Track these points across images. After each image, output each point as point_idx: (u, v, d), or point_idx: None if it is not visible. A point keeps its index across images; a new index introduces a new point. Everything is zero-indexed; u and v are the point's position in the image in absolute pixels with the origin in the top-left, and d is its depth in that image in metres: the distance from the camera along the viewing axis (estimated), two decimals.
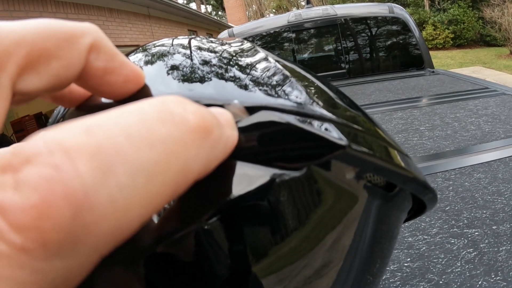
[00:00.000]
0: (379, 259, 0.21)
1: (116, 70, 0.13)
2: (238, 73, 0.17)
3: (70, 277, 0.08)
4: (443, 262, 0.54)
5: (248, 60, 0.19)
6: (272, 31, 2.34)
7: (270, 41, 2.38)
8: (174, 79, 0.16)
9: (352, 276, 0.18)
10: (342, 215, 0.16)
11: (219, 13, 27.61)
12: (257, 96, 0.15)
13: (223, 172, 0.13)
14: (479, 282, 0.49)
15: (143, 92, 0.15)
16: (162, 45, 0.20)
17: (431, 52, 2.39)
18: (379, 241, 0.20)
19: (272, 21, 2.39)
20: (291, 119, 0.14)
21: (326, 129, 0.14)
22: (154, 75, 0.16)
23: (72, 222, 0.07)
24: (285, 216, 0.14)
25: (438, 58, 10.30)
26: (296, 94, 0.15)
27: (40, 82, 0.11)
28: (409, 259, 0.55)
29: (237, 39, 0.23)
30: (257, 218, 0.14)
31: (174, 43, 0.21)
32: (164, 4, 6.79)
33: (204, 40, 0.22)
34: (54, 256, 0.07)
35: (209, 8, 28.27)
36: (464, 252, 0.55)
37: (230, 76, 0.17)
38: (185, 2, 25.18)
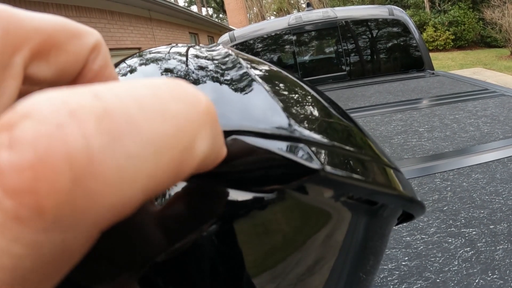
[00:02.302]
0: (370, 262, 0.21)
1: (104, 77, 0.13)
2: (211, 89, 0.17)
3: (68, 253, 0.07)
4: (441, 261, 0.55)
5: (224, 74, 0.18)
6: (273, 34, 2.35)
7: (271, 43, 2.39)
8: None
9: (343, 280, 0.18)
10: (324, 236, 0.16)
11: (220, 15, 27.66)
12: (229, 119, 0.15)
13: (196, 195, 0.13)
14: (476, 280, 0.50)
15: None
16: (140, 55, 0.20)
17: (431, 54, 2.40)
18: (367, 254, 0.20)
19: (273, 23, 2.40)
20: (265, 143, 0.14)
21: (299, 152, 0.14)
22: None
23: (73, 188, 0.07)
24: (258, 243, 0.14)
25: (439, 60, 10.30)
26: (273, 113, 0.15)
27: (48, 71, 0.12)
28: (406, 258, 0.56)
29: (219, 48, 0.22)
30: (227, 247, 0.14)
31: (148, 54, 0.20)
32: (165, 7, 6.81)
33: (181, 49, 0.21)
34: (52, 227, 0.07)
35: (210, 11, 28.32)
36: (461, 251, 0.56)
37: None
38: (186, 4, 25.23)
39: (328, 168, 0.14)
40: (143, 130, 0.08)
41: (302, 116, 0.17)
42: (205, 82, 0.17)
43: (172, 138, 0.08)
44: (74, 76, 0.13)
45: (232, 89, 0.17)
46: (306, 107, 0.19)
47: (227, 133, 0.13)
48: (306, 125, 0.16)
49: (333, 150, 0.16)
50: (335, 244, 0.17)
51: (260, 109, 0.15)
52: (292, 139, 0.14)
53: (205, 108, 0.10)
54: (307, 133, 0.15)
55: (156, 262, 0.13)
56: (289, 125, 0.15)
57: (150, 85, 0.09)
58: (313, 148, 0.14)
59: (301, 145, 0.14)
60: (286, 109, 0.16)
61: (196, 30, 10.28)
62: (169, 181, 0.09)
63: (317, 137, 0.15)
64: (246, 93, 0.17)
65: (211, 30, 11.76)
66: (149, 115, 0.08)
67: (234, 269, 0.14)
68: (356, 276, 0.19)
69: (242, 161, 0.13)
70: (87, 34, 0.13)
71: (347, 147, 0.17)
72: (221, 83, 0.17)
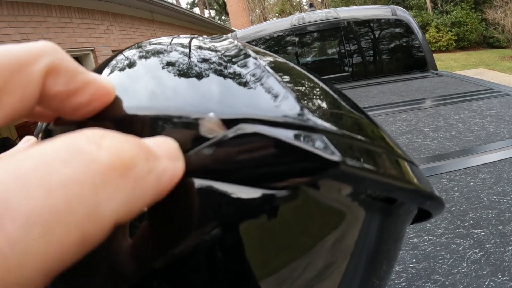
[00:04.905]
0: (383, 267, 0.19)
1: (79, 90, 0.12)
2: (217, 79, 0.15)
3: None
4: (449, 263, 0.53)
5: (231, 63, 0.17)
6: (275, 35, 2.35)
7: (273, 44, 2.38)
8: (145, 89, 0.15)
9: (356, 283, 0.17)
10: (336, 238, 0.15)
11: (223, 17, 27.73)
12: (237, 107, 0.13)
13: (197, 193, 0.12)
14: (486, 283, 0.49)
15: (112, 109, 0.14)
16: (139, 46, 0.19)
17: (434, 55, 2.39)
18: (381, 257, 0.18)
19: (276, 24, 2.40)
20: (275, 132, 0.12)
21: (316, 142, 0.12)
22: (126, 86, 0.15)
23: None
24: (265, 245, 0.13)
25: (442, 61, 10.28)
26: (283, 101, 0.14)
27: None
28: (414, 260, 0.55)
29: (224, 38, 0.21)
30: (238, 248, 0.12)
31: (151, 45, 0.19)
32: (167, 8, 6.83)
33: (183, 40, 0.19)
34: None
35: (212, 13, 28.40)
36: (470, 253, 0.55)
37: (207, 83, 0.15)
38: (188, 6, 25.31)
39: (350, 161, 0.12)
40: (25, 212, 0.07)
41: (316, 105, 0.15)
42: (212, 71, 0.16)
43: (63, 211, 0.08)
44: (33, 107, 0.11)
45: (238, 76, 0.16)
46: (319, 97, 0.17)
47: (233, 122, 0.12)
48: (321, 114, 0.14)
49: (353, 142, 0.14)
50: (348, 246, 0.15)
51: (271, 97, 0.14)
52: (306, 128, 0.13)
53: (107, 165, 0.09)
54: (323, 122, 0.13)
55: (161, 266, 0.12)
56: (302, 113, 0.13)
57: (37, 154, 0.08)
58: (331, 139, 0.13)
59: (317, 134, 0.12)
60: (299, 98, 0.14)
61: (198, 32, 10.31)
62: (76, 253, 0.08)
63: (334, 127, 0.13)
64: (255, 80, 0.15)
65: (214, 32, 11.79)
66: (31, 192, 0.08)
67: (242, 272, 0.13)
68: (370, 282, 0.18)
69: (251, 153, 0.12)
70: (33, 61, 0.11)
71: (367, 139, 0.15)
72: (228, 73, 0.16)
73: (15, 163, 0.08)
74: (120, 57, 0.18)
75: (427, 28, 12.61)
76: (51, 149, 0.08)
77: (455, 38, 12.34)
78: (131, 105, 0.14)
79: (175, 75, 0.15)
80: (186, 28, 8.99)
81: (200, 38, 0.21)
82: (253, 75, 0.15)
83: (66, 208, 0.08)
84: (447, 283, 0.50)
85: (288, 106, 0.13)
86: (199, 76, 0.15)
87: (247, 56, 0.17)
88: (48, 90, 0.11)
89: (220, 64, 0.16)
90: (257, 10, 24.79)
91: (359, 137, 0.14)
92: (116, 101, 0.14)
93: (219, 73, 0.16)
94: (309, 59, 2.52)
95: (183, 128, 0.13)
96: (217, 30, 11.88)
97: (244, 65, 0.16)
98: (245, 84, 0.15)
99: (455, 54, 11.70)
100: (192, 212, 0.12)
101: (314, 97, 0.16)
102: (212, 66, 0.16)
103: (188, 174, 0.12)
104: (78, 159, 0.08)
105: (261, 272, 0.13)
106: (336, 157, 0.12)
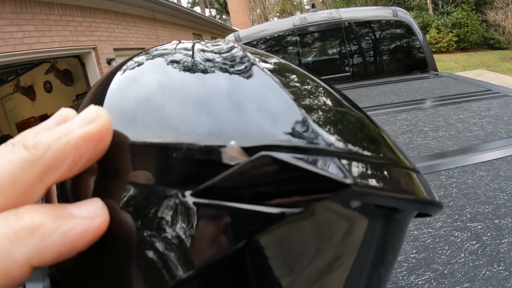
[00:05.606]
0: (389, 258, 0.21)
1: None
2: (235, 104, 0.16)
3: None
4: (448, 253, 0.56)
5: (245, 84, 0.18)
6: (278, 35, 2.37)
7: (275, 44, 2.41)
8: (166, 119, 0.16)
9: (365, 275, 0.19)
10: (344, 240, 0.17)
11: (223, 16, 27.70)
12: (256, 134, 0.14)
13: (228, 214, 0.13)
14: (482, 272, 0.52)
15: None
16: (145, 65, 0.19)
17: (434, 56, 2.41)
18: (386, 249, 0.20)
19: (278, 24, 2.43)
20: (292, 159, 0.13)
21: (331, 167, 0.14)
22: (146, 115, 0.16)
23: None
24: (286, 255, 0.15)
25: (442, 62, 10.30)
26: (299, 126, 0.15)
27: None
28: (414, 251, 0.58)
29: (235, 50, 0.21)
30: (266, 253, 0.14)
31: (158, 63, 0.20)
32: (169, 7, 6.84)
33: (187, 49, 0.21)
34: None
35: (213, 12, 28.36)
36: (467, 244, 0.58)
37: (226, 109, 0.16)
38: (189, 5, 25.27)
39: (360, 182, 0.14)
40: None
41: (327, 121, 0.17)
42: (227, 97, 0.16)
43: None
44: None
45: (253, 99, 0.16)
46: (329, 110, 0.19)
47: (253, 149, 0.14)
48: (333, 132, 0.16)
49: (362, 159, 0.16)
50: (355, 243, 0.17)
51: (286, 120, 0.15)
52: (321, 152, 0.14)
53: (21, 227, 0.12)
54: (335, 143, 0.15)
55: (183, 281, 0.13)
56: (316, 136, 0.15)
57: None
58: (344, 161, 0.14)
59: (330, 158, 0.14)
60: (311, 117, 0.16)
61: (200, 31, 10.32)
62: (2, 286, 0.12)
63: (344, 147, 0.15)
64: (268, 103, 0.16)
65: (215, 31, 11.79)
66: None
67: (267, 274, 0.15)
68: (377, 271, 0.20)
69: (272, 176, 0.13)
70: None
71: (373, 154, 0.17)
72: (244, 97, 0.17)
73: None
74: (132, 83, 0.19)
75: (427, 29, 12.63)
76: None
77: (455, 39, 12.37)
78: (149, 136, 0.15)
79: (196, 103, 0.16)
80: (188, 27, 9.00)
81: (202, 42, 0.22)
82: (265, 97, 0.16)
83: None
84: (445, 272, 0.53)
85: (302, 129, 0.15)
86: (216, 103, 0.16)
87: (258, 74, 0.18)
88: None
89: (236, 88, 0.17)
90: (258, 9, 24.77)
91: (366, 153, 0.16)
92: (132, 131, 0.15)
93: (237, 98, 0.16)
94: (310, 59, 2.55)
95: (206, 156, 0.14)
96: (218, 29, 11.88)
97: (257, 86, 0.17)
98: (260, 109, 0.16)
99: (456, 55, 11.73)
100: (225, 228, 0.13)
101: (324, 111, 0.18)
102: (229, 90, 0.17)
103: (218, 196, 0.13)
104: (3, 226, 0.12)
105: (283, 274, 0.15)
106: (348, 180, 0.14)
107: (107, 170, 0.15)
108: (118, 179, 0.15)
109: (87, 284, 0.15)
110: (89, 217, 0.13)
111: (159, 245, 0.14)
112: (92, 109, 0.14)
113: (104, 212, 0.14)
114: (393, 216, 0.19)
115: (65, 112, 0.15)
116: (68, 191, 0.17)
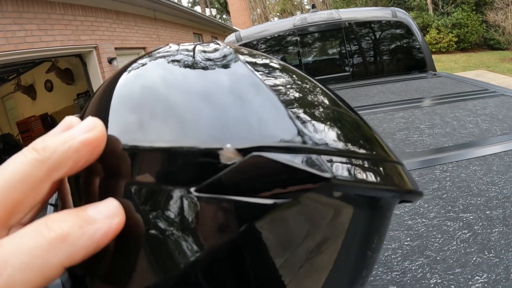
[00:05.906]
0: (374, 241, 0.23)
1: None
2: (229, 107, 0.18)
3: None
4: (440, 241, 0.59)
5: (240, 88, 0.19)
6: (278, 35, 2.40)
7: (276, 44, 2.44)
8: (165, 123, 0.18)
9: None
10: (334, 227, 0.19)
11: (224, 16, 27.71)
12: (249, 136, 0.17)
13: (228, 205, 0.16)
14: (474, 258, 0.55)
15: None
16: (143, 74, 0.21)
17: (434, 56, 2.43)
18: (372, 232, 0.22)
19: (279, 24, 2.45)
20: (279, 157, 0.16)
21: (314, 163, 0.16)
22: (152, 122, 0.18)
23: None
24: (281, 234, 0.17)
25: (442, 62, 10.33)
26: (286, 127, 0.17)
27: None
28: (409, 239, 0.61)
29: (228, 53, 0.23)
30: (262, 239, 0.17)
31: (152, 71, 0.22)
32: (170, 7, 6.87)
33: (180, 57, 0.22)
34: None
35: (214, 12, 28.37)
36: (459, 233, 0.61)
37: (221, 113, 0.18)
38: (189, 5, 25.27)
39: (339, 176, 0.16)
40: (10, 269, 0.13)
41: (311, 121, 0.19)
42: (220, 102, 0.19)
43: (29, 263, 0.14)
44: None
45: (246, 103, 0.18)
46: (314, 108, 0.21)
47: (246, 150, 0.16)
48: (318, 131, 0.18)
49: (344, 155, 0.18)
50: (341, 229, 0.19)
51: (276, 122, 0.18)
52: (306, 150, 0.17)
53: (53, 238, 0.14)
54: (318, 141, 0.17)
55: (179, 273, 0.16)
56: (303, 135, 0.17)
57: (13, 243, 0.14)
58: (325, 158, 0.17)
59: (314, 155, 0.16)
60: (299, 118, 0.18)
61: (200, 31, 10.35)
62: (42, 284, 0.14)
63: (327, 146, 0.17)
64: (261, 105, 0.18)
65: (215, 31, 11.82)
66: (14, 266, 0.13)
67: (263, 258, 0.17)
68: (364, 253, 0.22)
69: (262, 173, 0.16)
70: None
71: (356, 150, 0.19)
72: (238, 101, 0.19)
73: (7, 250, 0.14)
74: (133, 93, 0.20)
75: (427, 29, 12.67)
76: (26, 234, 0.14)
77: (455, 40, 12.40)
78: (153, 139, 0.17)
79: (195, 108, 0.18)
80: (188, 27, 9.03)
81: (198, 49, 0.24)
82: (258, 100, 0.19)
83: (31, 261, 0.14)
84: (438, 258, 0.56)
85: (289, 130, 0.17)
86: (212, 107, 0.18)
87: (250, 76, 0.20)
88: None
89: (232, 92, 0.19)
90: (258, 9, 24.79)
91: (347, 148, 0.19)
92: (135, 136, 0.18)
93: (232, 101, 0.19)
94: (310, 59, 2.58)
95: (207, 158, 0.16)
96: (219, 29, 11.90)
97: (251, 89, 0.19)
98: (252, 112, 0.18)
99: (456, 56, 11.76)
100: (226, 217, 0.16)
101: (309, 109, 0.20)
102: (220, 97, 0.19)
103: (219, 191, 0.16)
104: (37, 238, 0.14)
105: (277, 255, 0.17)
106: (327, 174, 0.16)
107: (123, 173, 0.17)
108: (132, 179, 0.17)
109: (105, 271, 0.17)
110: (108, 218, 0.16)
111: (171, 234, 0.16)
112: (91, 120, 0.17)
113: (121, 211, 0.16)
114: (376, 203, 0.21)
115: (69, 120, 0.18)
116: (81, 189, 0.19)
